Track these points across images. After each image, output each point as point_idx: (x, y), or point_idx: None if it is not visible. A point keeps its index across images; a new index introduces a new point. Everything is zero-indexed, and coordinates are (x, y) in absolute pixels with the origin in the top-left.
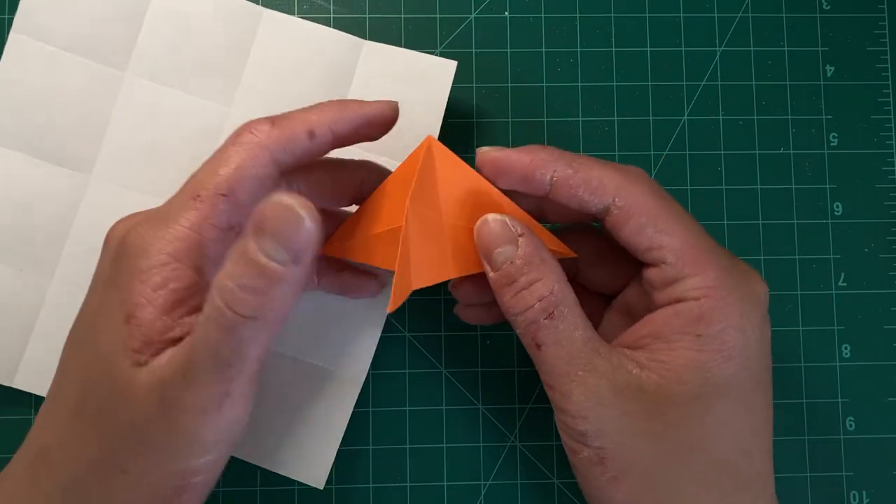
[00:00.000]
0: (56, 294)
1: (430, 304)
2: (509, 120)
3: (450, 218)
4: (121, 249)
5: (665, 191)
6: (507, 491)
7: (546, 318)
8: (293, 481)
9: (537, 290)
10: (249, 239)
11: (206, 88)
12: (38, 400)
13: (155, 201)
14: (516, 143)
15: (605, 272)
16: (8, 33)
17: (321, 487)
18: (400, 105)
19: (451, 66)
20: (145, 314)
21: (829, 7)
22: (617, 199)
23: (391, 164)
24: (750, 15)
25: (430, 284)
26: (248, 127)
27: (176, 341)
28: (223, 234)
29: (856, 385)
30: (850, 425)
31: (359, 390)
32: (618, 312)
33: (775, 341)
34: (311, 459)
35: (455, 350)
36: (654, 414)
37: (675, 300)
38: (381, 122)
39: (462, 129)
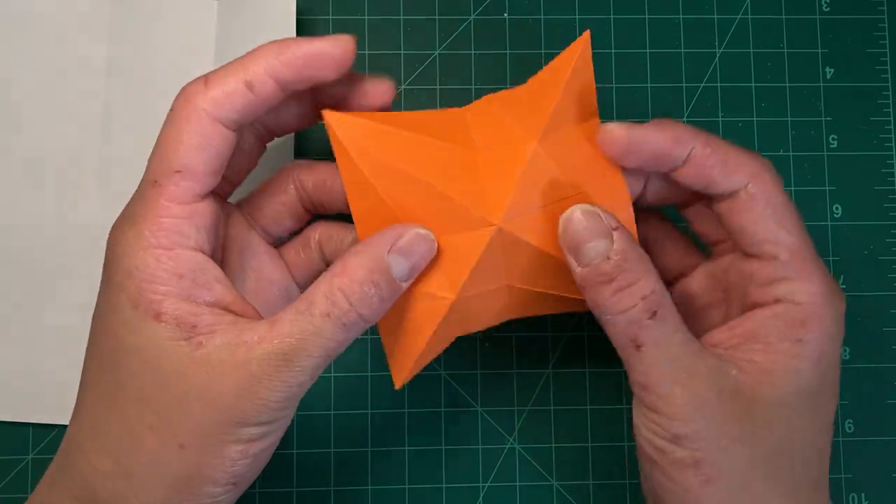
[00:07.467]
0: None
1: None
2: None
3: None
4: (109, 252)
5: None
6: (506, 493)
7: (649, 319)
8: (292, 482)
9: (639, 290)
10: (385, 254)
11: None
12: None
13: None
14: None
15: (670, 259)
16: None
17: None
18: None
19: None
20: (168, 309)
21: (828, 9)
22: (750, 185)
23: None
24: (749, 16)
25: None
26: (182, 92)
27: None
28: (196, 204)
29: (855, 387)
30: (850, 427)
31: None
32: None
33: None
34: None
35: (454, 352)
36: (745, 417)
37: (775, 300)
38: (328, 62)
39: None
